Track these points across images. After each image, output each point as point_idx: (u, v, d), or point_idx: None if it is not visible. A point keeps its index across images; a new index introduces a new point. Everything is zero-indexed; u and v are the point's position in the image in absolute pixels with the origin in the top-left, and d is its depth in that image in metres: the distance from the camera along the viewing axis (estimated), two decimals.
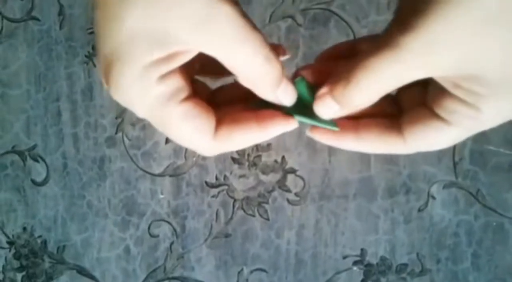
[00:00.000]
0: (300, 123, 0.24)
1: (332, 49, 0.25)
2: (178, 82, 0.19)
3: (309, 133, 0.25)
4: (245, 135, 0.22)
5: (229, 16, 0.18)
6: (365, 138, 0.23)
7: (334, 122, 0.25)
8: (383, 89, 0.20)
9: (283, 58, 0.24)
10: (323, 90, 0.21)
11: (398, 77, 0.19)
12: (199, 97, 0.21)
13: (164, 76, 0.18)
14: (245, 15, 0.18)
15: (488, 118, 0.20)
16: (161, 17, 0.17)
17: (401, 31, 0.17)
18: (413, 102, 0.23)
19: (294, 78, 0.24)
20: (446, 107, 0.21)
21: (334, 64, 0.24)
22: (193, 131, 0.20)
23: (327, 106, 0.22)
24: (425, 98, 0.22)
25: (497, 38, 0.17)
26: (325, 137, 0.24)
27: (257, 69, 0.20)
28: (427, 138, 0.21)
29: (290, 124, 0.22)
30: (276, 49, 0.23)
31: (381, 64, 0.19)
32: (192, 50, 0.19)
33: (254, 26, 0.19)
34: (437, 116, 0.21)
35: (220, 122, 0.22)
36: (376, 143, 0.23)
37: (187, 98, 0.20)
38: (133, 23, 0.17)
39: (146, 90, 0.18)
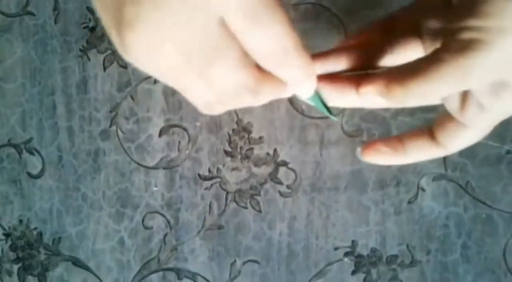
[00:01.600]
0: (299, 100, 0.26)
1: (370, 27, 0.27)
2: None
3: (361, 156, 0.27)
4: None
5: None
6: (411, 152, 0.26)
7: (332, 111, 0.26)
8: (436, 98, 0.23)
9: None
10: (371, 87, 0.23)
11: (451, 90, 0.21)
12: None
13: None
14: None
15: (499, 116, 0.23)
16: None
17: (463, 55, 0.19)
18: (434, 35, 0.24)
19: None
20: (467, 116, 0.22)
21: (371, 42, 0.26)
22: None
23: (373, 100, 0.24)
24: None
25: None
26: (379, 159, 0.27)
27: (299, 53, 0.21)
28: (459, 141, 0.24)
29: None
30: None
31: (440, 80, 0.21)
32: None
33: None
34: (460, 124, 0.23)
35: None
36: (421, 154, 0.26)
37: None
38: None
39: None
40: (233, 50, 0.18)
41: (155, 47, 0.17)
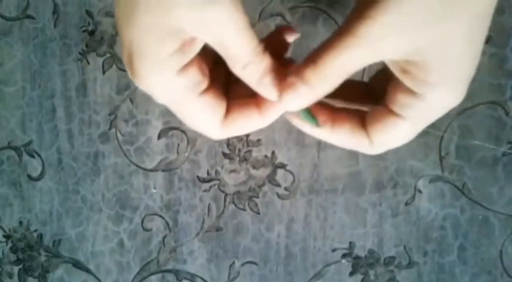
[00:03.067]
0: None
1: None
2: (197, 75, 0.20)
3: (287, 117, 0.25)
4: (248, 122, 0.23)
5: (225, 7, 0.19)
6: (338, 131, 0.24)
7: (316, 119, 0.25)
8: (344, 71, 0.21)
9: (292, 37, 0.24)
10: (292, 78, 0.22)
11: (355, 60, 0.20)
12: (216, 86, 0.22)
13: (183, 69, 0.20)
14: (240, 8, 0.20)
15: (432, 108, 0.21)
16: (165, 9, 0.18)
17: (358, 20, 0.19)
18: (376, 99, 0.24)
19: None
20: (398, 101, 0.21)
21: None
22: (207, 120, 0.22)
23: (298, 93, 0.22)
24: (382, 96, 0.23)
25: (438, 30, 0.18)
26: (302, 125, 0.25)
27: (246, 58, 0.21)
28: (387, 135, 0.22)
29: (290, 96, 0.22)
30: (285, 30, 0.24)
31: (341, 49, 0.20)
32: (197, 39, 0.20)
33: (247, 23, 0.20)
34: (392, 113, 0.22)
35: (228, 109, 0.23)
36: (346, 138, 0.24)
37: (206, 90, 0.21)
38: (144, 17, 0.18)
39: (167, 82, 0.19)
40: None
41: (151, 93, 0.20)
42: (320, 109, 0.24)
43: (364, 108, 0.24)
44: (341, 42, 0.19)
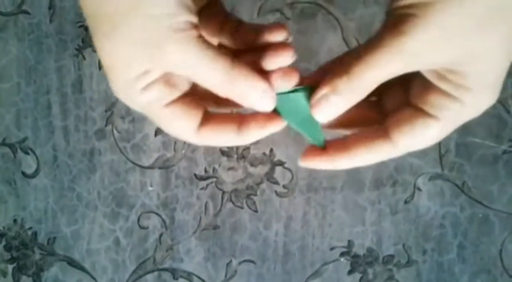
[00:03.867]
0: (293, 130, 0.25)
1: (324, 67, 0.26)
2: (160, 91, 0.21)
3: (301, 163, 0.25)
4: (224, 138, 0.23)
5: (179, 43, 0.19)
6: (356, 153, 0.24)
7: (323, 138, 0.25)
8: (377, 82, 0.21)
9: (286, 59, 0.23)
10: (323, 90, 0.22)
11: (390, 72, 0.21)
12: (190, 96, 0.22)
13: (145, 88, 0.20)
14: (197, 37, 0.20)
15: (468, 110, 0.21)
16: (122, 44, 0.19)
17: (395, 35, 0.19)
18: (396, 103, 0.23)
19: (299, 85, 0.24)
20: (431, 102, 0.21)
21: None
22: (179, 128, 0.22)
23: (329, 104, 0.22)
24: (407, 98, 0.23)
25: (476, 42, 0.19)
26: (318, 164, 0.25)
27: (224, 85, 0.21)
28: (415, 136, 0.22)
29: (275, 126, 0.24)
30: (279, 47, 0.23)
31: (377, 62, 0.20)
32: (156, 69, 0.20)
33: (208, 45, 0.20)
34: (422, 113, 0.21)
35: (207, 119, 0.23)
36: (367, 155, 0.24)
37: (173, 101, 0.22)
38: (110, 47, 0.19)
39: (133, 97, 0.21)
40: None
41: (127, 103, 0.21)
42: (332, 145, 0.24)
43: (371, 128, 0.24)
44: (377, 56, 0.20)
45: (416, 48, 0.19)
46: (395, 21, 0.19)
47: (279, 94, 0.23)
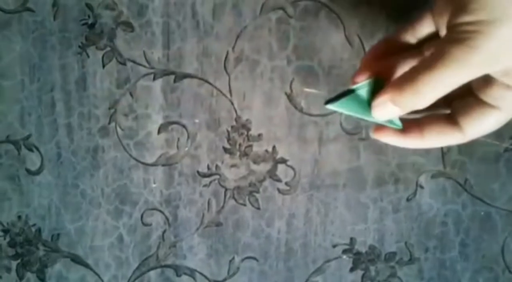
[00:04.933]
0: (367, 121, 0.26)
1: (375, 49, 0.28)
2: None
3: (373, 135, 0.27)
4: None
5: None
6: (429, 136, 0.26)
7: (399, 121, 0.26)
8: (443, 93, 0.22)
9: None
10: (383, 98, 0.23)
11: (458, 83, 0.22)
12: None
13: None
14: None
15: None
16: None
17: (465, 49, 0.20)
18: (458, 91, 0.24)
19: (369, 78, 0.25)
20: (494, 95, 0.23)
21: (385, 64, 0.27)
22: None
23: (387, 111, 0.24)
24: (469, 88, 0.25)
25: None
26: (391, 139, 0.27)
27: None
28: (482, 125, 0.24)
29: None
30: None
31: (445, 77, 0.22)
32: None
33: None
34: (485, 104, 0.23)
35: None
36: (439, 139, 0.26)
37: None
38: None
39: None
40: None
41: None
42: (407, 125, 0.26)
43: (445, 111, 0.26)
44: (446, 70, 0.21)
45: (483, 61, 0.20)
46: (462, 37, 0.20)
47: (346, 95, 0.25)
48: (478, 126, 0.24)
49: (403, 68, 0.27)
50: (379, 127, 0.27)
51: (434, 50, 0.22)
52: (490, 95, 0.23)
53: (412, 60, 0.27)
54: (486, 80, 0.23)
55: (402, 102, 0.23)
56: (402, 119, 0.27)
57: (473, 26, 0.20)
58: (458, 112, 0.25)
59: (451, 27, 0.21)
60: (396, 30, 0.29)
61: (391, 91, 0.23)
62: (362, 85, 0.25)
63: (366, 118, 0.26)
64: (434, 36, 0.26)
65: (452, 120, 0.26)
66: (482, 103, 0.24)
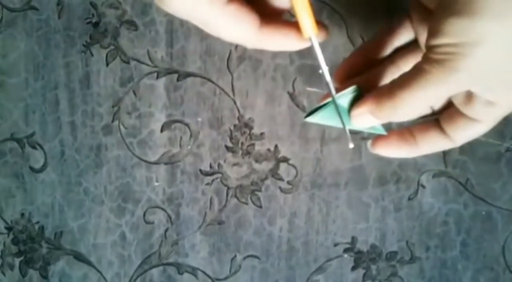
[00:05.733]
0: (350, 131, 0.26)
1: (348, 62, 0.28)
2: None
3: (371, 149, 0.27)
4: (284, 41, 0.23)
5: None
6: (423, 144, 0.26)
7: (381, 127, 0.27)
8: (421, 111, 0.23)
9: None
10: (362, 109, 0.24)
11: (437, 101, 0.22)
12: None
13: None
14: None
15: (505, 110, 0.23)
16: None
17: (444, 70, 0.20)
18: (444, 103, 0.25)
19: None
20: (476, 110, 0.23)
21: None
22: (238, 28, 0.22)
23: (366, 121, 0.24)
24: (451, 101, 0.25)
25: None
26: (389, 152, 0.27)
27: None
28: (467, 135, 0.25)
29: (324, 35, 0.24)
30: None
31: (425, 94, 0.21)
32: None
33: None
34: (467, 118, 0.24)
35: (266, 23, 0.23)
36: (433, 146, 0.26)
37: (230, 1, 0.21)
38: None
39: None
40: None
41: (175, 9, 0.21)
42: (399, 134, 0.27)
43: (435, 117, 0.26)
44: (425, 88, 0.21)
45: (462, 81, 0.20)
46: (441, 58, 0.20)
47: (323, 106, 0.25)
48: (464, 136, 0.25)
49: (383, 79, 0.27)
50: (376, 140, 0.28)
51: (414, 68, 0.22)
52: (471, 110, 0.23)
53: (390, 74, 0.27)
54: (468, 96, 0.23)
55: (380, 115, 0.24)
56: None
57: (452, 48, 0.20)
58: (444, 121, 0.25)
59: (430, 48, 0.21)
60: (368, 42, 0.29)
61: (369, 104, 0.24)
62: (342, 95, 0.25)
63: (348, 127, 0.26)
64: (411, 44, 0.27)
65: (439, 129, 0.26)
66: (465, 118, 0.24)
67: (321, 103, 0.26)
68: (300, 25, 0.23)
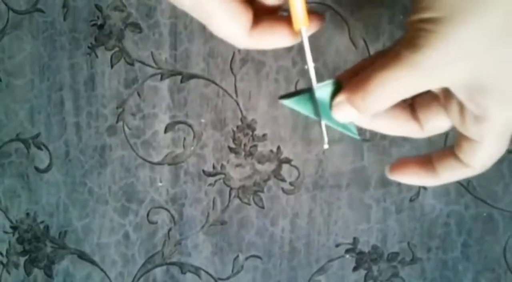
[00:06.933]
0: (327, 126, 0.25)
1: (352, 69, 0.26)
2: None
3: (388, 173, 0.25)
4: (276, 39, 0.23)
5: None
6: (443, 176, 0.24)
7: (356, 129, 0.26)
8: (397, 98, 0.20)
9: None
10: (340, 98, 0.22)
11: (412, 88, 0.20)
12: None
13: None
14: None
15: (502, 124, 0.21)
16: None
17: (413, 49, 0.18)
18: (429, 111, 0.23)
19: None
20: (467, 129, 0.21)
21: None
22: (232, 27, 0.21)
23: (345, 112, 0.22)
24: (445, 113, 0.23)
25: (499, 53, 0.18)
26: (408, 178, 0.25)
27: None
28: (481, 157, 0.22)
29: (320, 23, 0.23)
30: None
31: (394, 79, 0.19)
32: None
33: None
34: (472, 140, 0.22)
35: (257, 21, 0.22)
36: (451, 176, 0.24)
37: None
38: None
39: None
40: None
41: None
42: (418, 162, 0.25)
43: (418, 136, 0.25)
44: (392, 72, 0.19)
45: (433, 64, 0.18)
46: (412, 35, 0.18)
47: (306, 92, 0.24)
48: (477, 159, 0.23)
49: None
50: (395, 166, 0.26)
51: (390, 51, 0.20)
52: (465, 127, 0.21)
53: None
54: (460, 111, 0.21)
55: (355, 102, 0.22)
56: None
57: (425, 24, 0.18)
58: (455, 148, 0.23)
59: (407, 26, 0.19)
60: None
61: (346, 91, 0.22)
62: (323, 85, 0.24)
63: (325, 121, 0.25)
64: None
65: (414, 114, 0.24)
66: (465, 138, 0.22)
67: (299, 89, 0.25)
68: (292, 18, 0.22)
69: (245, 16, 0.21)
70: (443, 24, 0.17)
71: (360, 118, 0.23)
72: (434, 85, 0.20)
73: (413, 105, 0.24)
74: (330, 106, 0.24)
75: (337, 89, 0.23)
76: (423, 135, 0.24)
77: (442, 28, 0.17)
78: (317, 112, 0.24)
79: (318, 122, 0.24)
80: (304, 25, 0.22)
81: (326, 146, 0.24)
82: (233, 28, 0.21)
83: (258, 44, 0.22)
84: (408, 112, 0.24)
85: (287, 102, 0.24)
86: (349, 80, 0.22)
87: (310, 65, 0.23)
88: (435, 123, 0.23)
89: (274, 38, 0.22)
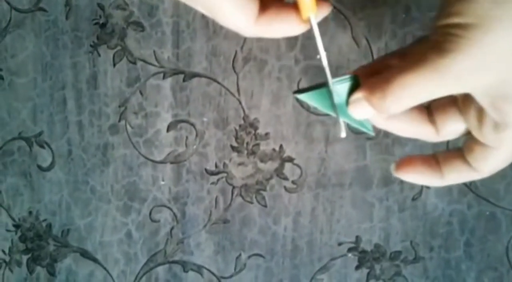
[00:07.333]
0: (344, 121, 0.24)
1: (369, 66, 0.25)
2: None
3: (393, 171, 0.25)
4: (284, 27, 0.22)
5: None
6: (448, 177, 0.24)
7: (371, 126, 0.25)
8: (418, 101, 0.20)
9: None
10: (358, 95, 0.21)
11: (434, 92, 0.20)
12: None
13: None
14: None
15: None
16: None
17: (441, 54, 0.18)
18: (446, 116, 0.23)
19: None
20: (484, 135, 0.21)
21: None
22: (238, 15, 0.20)
23: (362, 109, 0.22)
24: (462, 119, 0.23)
25: None
26: (413, 177, 0.25)
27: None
28: (491, 163, 0.22)
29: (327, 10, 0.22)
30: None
31: (417, 82, 0.19)
32: None
33: None
34: (484, 146, 0.22)
35: (264, 9, 0.21)
36: (457, 178, 0.23)
37: None
38: None
39: None
40: None
41: None
42: (424, 161, 0.25)
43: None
44: (417, 76, 0.19)
45: (460, 69, 0.18)
46: (440, 40, 0.18)
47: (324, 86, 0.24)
48: (486, 165, 0.22)
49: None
50: (400, 163, 0.25)
51: (414, 52, 0.20)
52: (482, 133, 0.21)
53: None
54: (479, 116, 0.21)
55: (374, 101, 0.21)
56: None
57: (455, 29, 0.18)
58: (465, 149, 0.23)
59: (433, 29, 0.19)
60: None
61: (365, 89, 0.22)
62: (339, 81, 0.24)
63: (340, 116, 0.25)
64: None
65: (431, 119, 0.24)
66: (480, 143, 0.22)
67: (316, 83, 0.25)
68: (299, 6, 0.22)
69: (251, 4, 0.20)
70: (474, 30, 0.17)
71: (376, 117, 0.23)
72: (458, 91, 0.20)
73: (430, 108, 0.24)
74: (347, 102, 0.23)
75: (354, 84, 0.23)
76: (438, 139, 0.24)
77: (473, 34, 0.17)
78: (333, 106, 0.24)
79: (333, 115, 0.24)
80: (312, 12, 0.21)
81: (343, 134, 0.24)
82: (240, 17, 0.21)
83: (266, 32, 0.22)
84: (425, 115, 0.24)
85: (302, 96, 0.24)
86: (368, 78, 0.22)
87: (322, 54, 0.22)
88: (451, 127, 0.23)
89: (281, 26, 0.22)
